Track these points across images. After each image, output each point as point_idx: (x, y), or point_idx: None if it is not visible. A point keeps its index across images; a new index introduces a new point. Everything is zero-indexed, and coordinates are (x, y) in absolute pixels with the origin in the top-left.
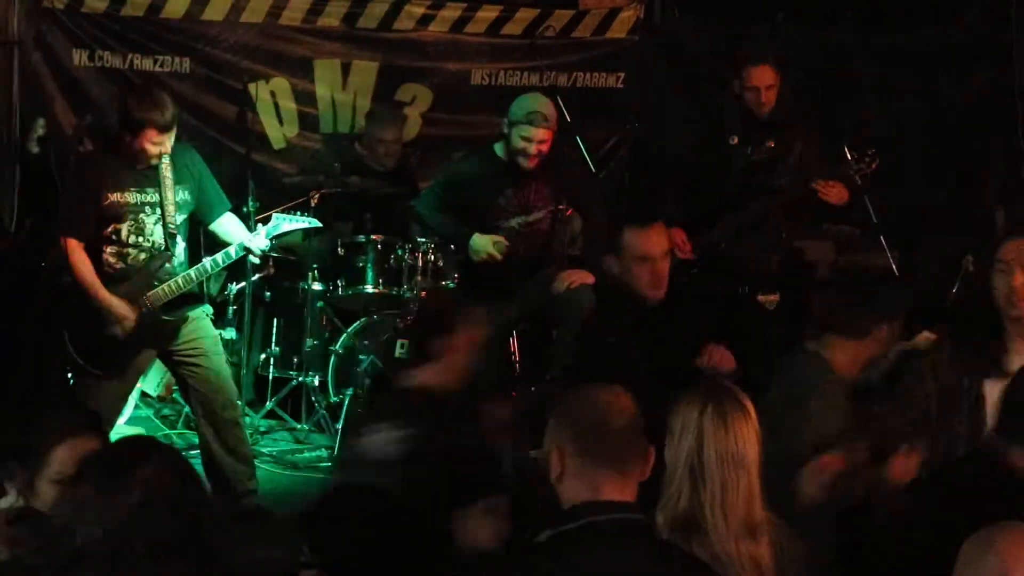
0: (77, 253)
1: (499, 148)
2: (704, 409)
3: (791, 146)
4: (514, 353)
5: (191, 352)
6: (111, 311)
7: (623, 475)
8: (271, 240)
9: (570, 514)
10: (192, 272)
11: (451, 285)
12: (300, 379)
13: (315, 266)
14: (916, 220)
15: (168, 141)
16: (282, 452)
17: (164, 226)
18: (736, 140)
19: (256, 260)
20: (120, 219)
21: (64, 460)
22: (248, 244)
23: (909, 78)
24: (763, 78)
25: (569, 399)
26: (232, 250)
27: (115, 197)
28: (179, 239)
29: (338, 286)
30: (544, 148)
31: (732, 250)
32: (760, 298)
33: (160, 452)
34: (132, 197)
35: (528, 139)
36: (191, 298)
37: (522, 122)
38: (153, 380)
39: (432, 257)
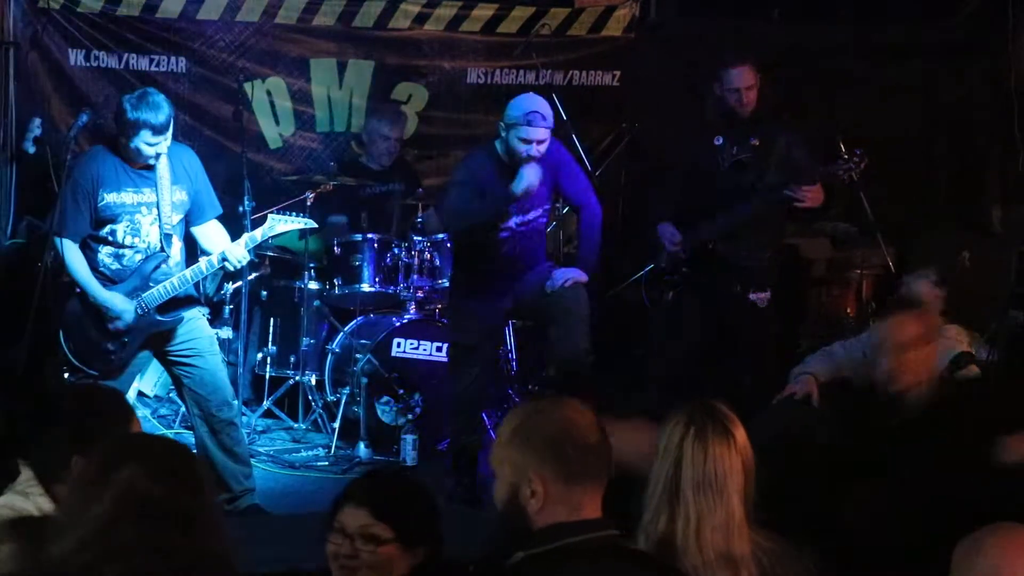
0: (73, 252)
1: (499, 145)
2: (686, 433)
3: (776, 143)
4: (510, 351)
5: (186, 352)
6: (109, 308)
7: (600, 490)
8: (257, 246)
9: (544, 535)
10: (187, 273)
11: (446, 284)
12: (297, 378)
13: (311, 265)
14: (912, 216)
15: (163, 143)
16: (279, 451)
17: (160, 227)
18: (721, 140)
19: (231, 269)
20: (116, 219)
21: None
22: (227, 255)
23: (906, 75)
24: (743, 80)
25: (532, 422)
26: (215, 258)
27: (111, 197)
28: (175, 239)
29: (335, 285)
30: (543, 148)
31: (723, 248)
32: (752, 296)
33: (142, 455)
34: (129, 197)
35: (527, 140)
36: (187, 299)
37: (520, 123)
38: (150, 380)
39: (428, 256)
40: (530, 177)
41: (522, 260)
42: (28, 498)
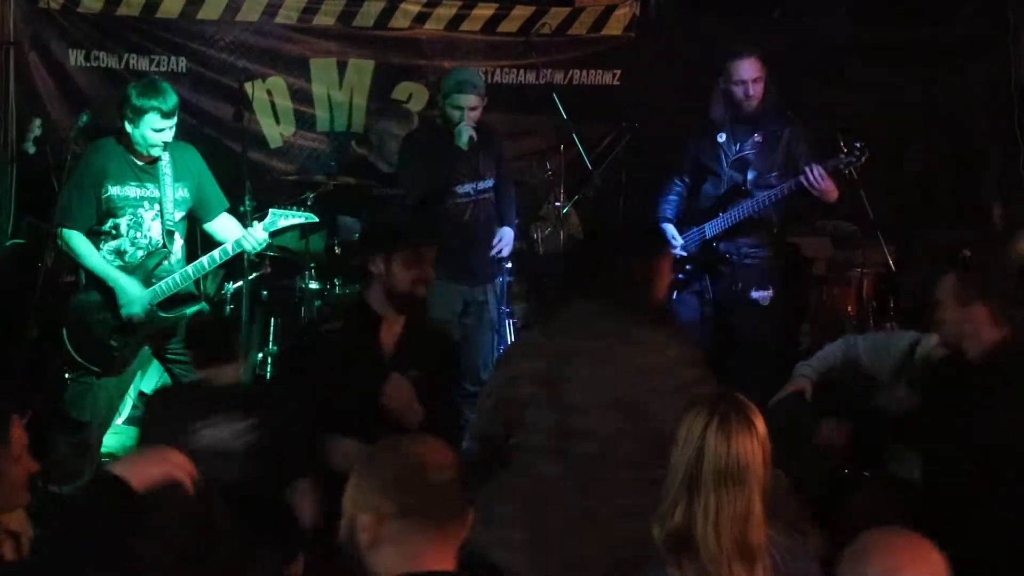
0: (81, 241)
1: (440, 121)
2: (709, 422)
3: (779, 140)
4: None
5: (186, 351)
6: (124, 291)
7: (444, 539)
8: (269, 234)
9: None
10: (189, 270)
11: None
12: None
13: (312, 265)
14: (913, 215)
15: (170, 130)
16: None
17: (163, 222)
18: (724, 137)
19: (254, 257)
20: (119, 213)
21: None
22: (244, 242)
23: (907, 73)
24: (749, 71)
25: (382, 454)
26: (229, 247)
27: (115, 191)
28: (177, 236)
29: (335, 284)
30: (476, 115)
31: (725, 246)
32: (754, 294)
33: None
34: (132, 191)
35: (460, 107)
36: (188, 296)
37: (453, 92)
38: (152, 379)
39: None
40: (467, 131)
41: (479, 233)
42: None
